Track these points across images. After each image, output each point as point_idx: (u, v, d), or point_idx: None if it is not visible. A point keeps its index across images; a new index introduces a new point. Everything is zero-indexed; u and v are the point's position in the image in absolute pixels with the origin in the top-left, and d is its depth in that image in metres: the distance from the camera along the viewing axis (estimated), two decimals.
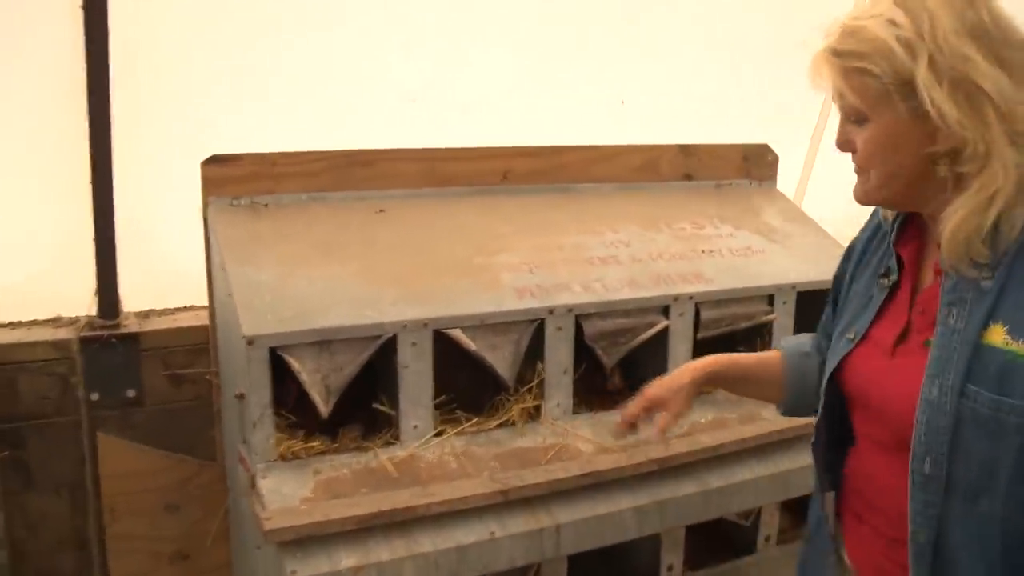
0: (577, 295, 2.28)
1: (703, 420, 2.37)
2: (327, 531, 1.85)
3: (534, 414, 2.27)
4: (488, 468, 2.10)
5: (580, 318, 2.27)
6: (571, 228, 2.52)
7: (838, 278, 1.70)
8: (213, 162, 2.27)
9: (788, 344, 1.84)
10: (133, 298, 2.61)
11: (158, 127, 2.51)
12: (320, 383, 2.03)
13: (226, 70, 2.52)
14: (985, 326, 1.29)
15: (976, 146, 1.27)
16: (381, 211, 2.40)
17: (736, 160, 2.88)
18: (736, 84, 3.07)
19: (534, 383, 2.26)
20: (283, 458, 2.02)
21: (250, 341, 1.96)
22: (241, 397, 2.02)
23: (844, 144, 1.41)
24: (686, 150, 2.82)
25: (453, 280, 2.22)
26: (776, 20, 2.92)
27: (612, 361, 2.31)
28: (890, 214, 1.54)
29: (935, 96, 1.25)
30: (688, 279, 2.43)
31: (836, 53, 1.33)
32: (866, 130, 1.35)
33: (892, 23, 1.28)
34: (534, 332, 2.23)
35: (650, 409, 1.81)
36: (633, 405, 1.82)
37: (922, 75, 1.25)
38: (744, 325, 2.48)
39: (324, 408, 2.02)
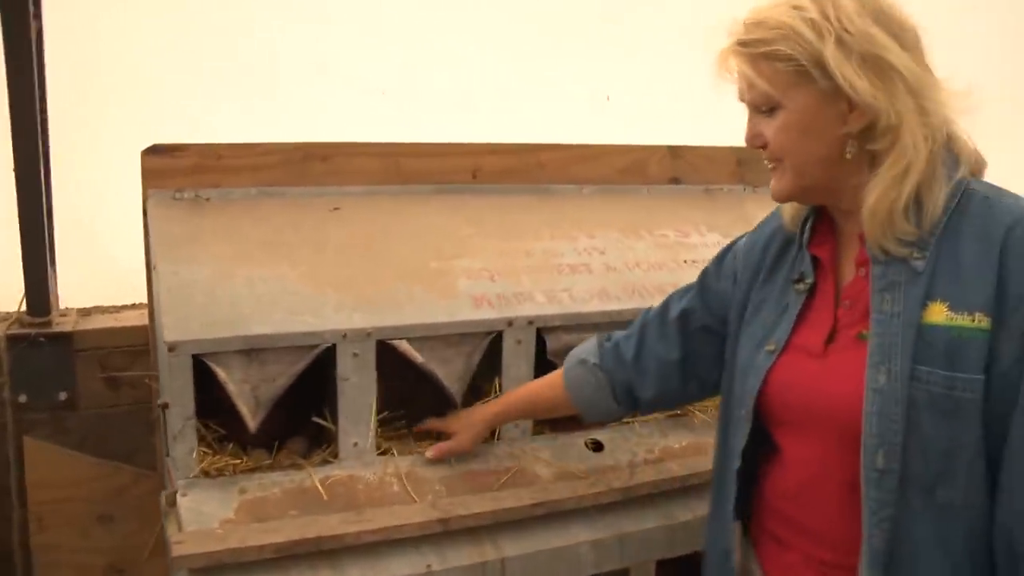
0: (540, 306, 2.10)
1: (676, 446, 2.19)
2: (244, 558, 1.70)
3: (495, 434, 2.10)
4: (432, 493, 1.93)
5: (543, 331, 2.09)
6: (543, 232, 2.34)
7: (708, 275, 1.71)
8: (154, 152, 2.11)
9: (570, 356, 1.89)
10: (83, 294, 2.48)
11: (109, 118, 2.39)
12: (249, 394, 1.87)
13: (184, 59, 2.39)
14: (924, 306, 1.29)
15: (888, 119, 1.29)
16: (336, 209, 2.23)
17: (729, 164, 2.69)
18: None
19: (490, 399, 2.09)
20: (207, 474, 1.86)
21: (171, 347, 1.80)
22: (165, 407, 1.87)
23: (754, 138, 1.41)
24: (675, 152, 2.63)
25: (405, 286, 2.05)
26: None
27: None
28: (795, 217, 1.51)
29: (846, 71, 1.28)
30: (666, 291, 2.21)
31: (743, 43, 1.35)
32: (777, 119, 1.35)
33: (796, 8, 1.31)
34: (491, 345, 2.06)
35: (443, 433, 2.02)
36: (432, 424, 2.04)
37: (831, 52, 1.28)
38: None
39: (252, 422, 1.86)
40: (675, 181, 2.66)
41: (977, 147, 1.39)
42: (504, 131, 2.58)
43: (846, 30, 1.28)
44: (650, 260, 2.34)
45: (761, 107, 1.37)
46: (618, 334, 1.84)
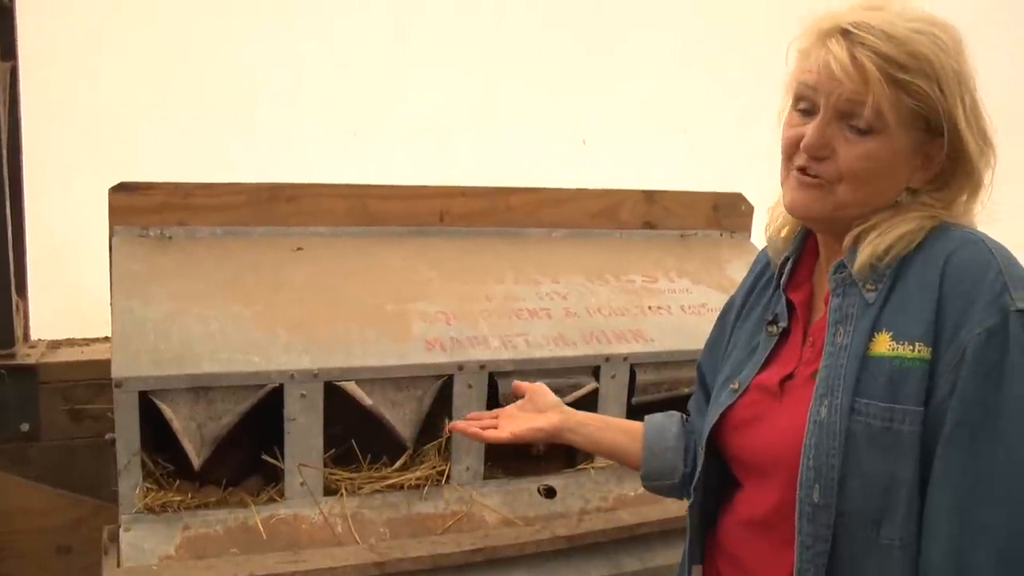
0: (493, 350, 2.11)
1: (631, 494, 2.18)
2: None
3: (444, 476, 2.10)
4: (375, 535, 1.94)
5: (495, 376, 2.09)
6: (507, 276, 2.35)
7: (714, 329, 1.63)
8: (122, 189, 2.16)
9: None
10: (58, 327, 2.52)
11: (86, 153, 2.43)
12: (195, 432, 1.89)
13: (158, 94, 2.43)
14: (871, 338, 1.26)
15: (968, 187, 1.29)
16: (299, 249, 2.26)
17: (705, 209, 2.68)
18: (716, 120, 2.86)
19: (441, 441, 2.09)
20: (151, 510, 1.88)
21: (118, 383, 1.83)
22: (113, 442, 1.90)
23: (822, 147, 1.28)
24: (650, 196, 2.63)
25: (358, 328, 2.07)
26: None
27: None
28: (779, 255, 1.45)
29: (968, 137, 1.25)
30: (625, 338, 2.24)
31: (881, 55, 1.22)
32: (867, 143, 1.26)
33: (941, 48, 1.24)
34: (442, 389, 2.06)
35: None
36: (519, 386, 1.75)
37: (961, 115, 1.24)
38: (687, 391, 2.27)
39: (196, 459, 1.88)
40: (649, 226, 2.65)
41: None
42: (478, 174, 2.60)
43: (973, 95, 1.25)
44: (612, 306, 2.33)
45: (858, 123, 1.25)
46: None
